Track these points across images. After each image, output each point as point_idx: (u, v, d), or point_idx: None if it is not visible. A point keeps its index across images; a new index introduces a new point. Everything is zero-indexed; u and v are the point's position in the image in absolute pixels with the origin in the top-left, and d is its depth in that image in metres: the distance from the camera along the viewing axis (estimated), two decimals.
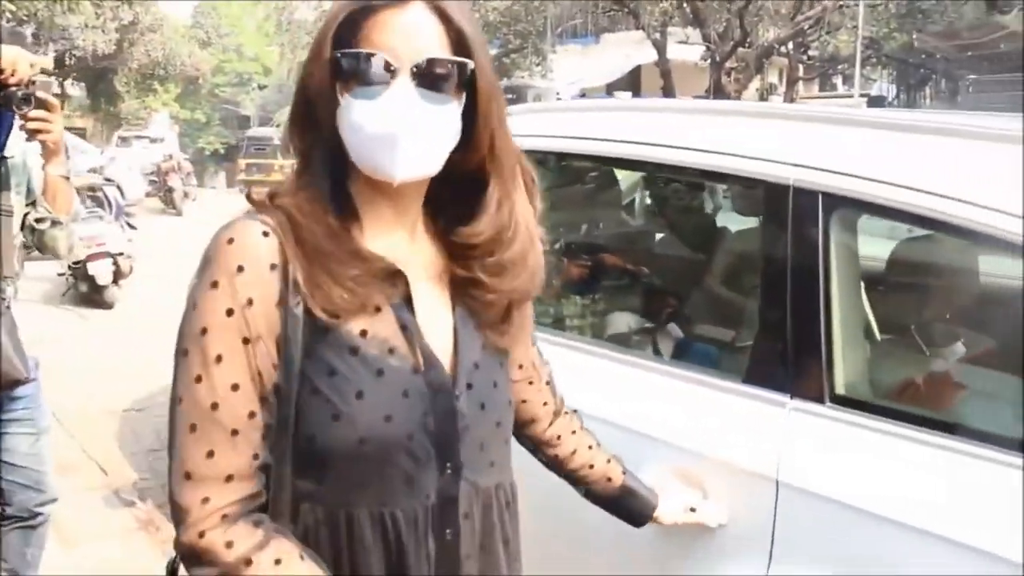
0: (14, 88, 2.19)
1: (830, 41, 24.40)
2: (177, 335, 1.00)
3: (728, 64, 21.77)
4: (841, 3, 20.56)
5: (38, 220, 2.40)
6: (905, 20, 21.99)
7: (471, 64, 1.02)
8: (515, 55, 31.30)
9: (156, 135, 24.13)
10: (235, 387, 0.98)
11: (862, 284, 1.80)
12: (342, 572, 1.02)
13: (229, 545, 0.96)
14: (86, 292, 8.12)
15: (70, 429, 4.57)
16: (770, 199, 1.71)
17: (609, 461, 1.39)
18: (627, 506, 1.40)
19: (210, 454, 0.97)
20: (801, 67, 27.15)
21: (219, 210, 20.13)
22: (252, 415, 0.99)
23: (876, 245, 2.02)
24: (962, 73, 14.80)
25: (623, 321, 2.26)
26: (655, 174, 2.60)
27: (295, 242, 1.00)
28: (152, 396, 5.38)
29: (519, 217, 1.10)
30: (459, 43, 1.01)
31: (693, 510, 1.54)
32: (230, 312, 0.97)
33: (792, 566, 1.50)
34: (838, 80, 31.19)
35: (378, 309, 1.03)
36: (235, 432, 0.98)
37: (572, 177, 2.59)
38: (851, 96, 20.56)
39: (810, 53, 26.45)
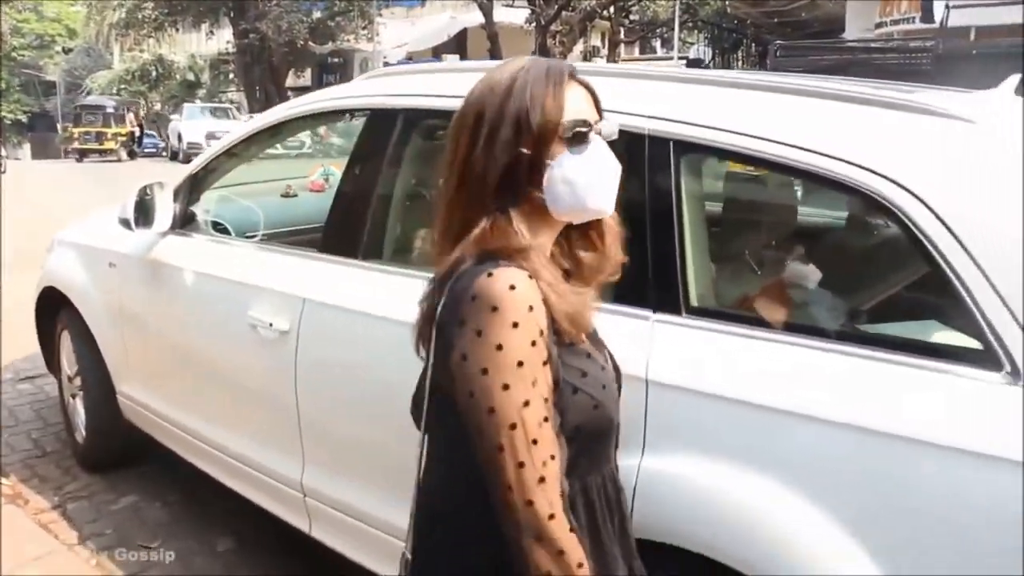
0: None
1: (649, 6, 25.40)
2: (485, 375, 1.17)
3: (553, 27, 22.29)
4: None
5: None
6: None
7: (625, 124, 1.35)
8: (340, 19, 30.43)
9: None
10: (546, 400, 1.20)
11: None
12: (583, 527, 1.27)
13: (573, 530, 1.19)
14: None
15: None
16: (629, 147, 1.98)
17: None
18: None
19: (552, 458, 1.18)
20: (622, 31, 27.96)
21: (34, 182, 18.71)
22: (555, 417, 1.22)
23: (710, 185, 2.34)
24: (770, 38, 15.91)
25: None
26: None
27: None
28: None
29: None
30: (599, 108, 1.34)
31: None
32: (534, 343, 1.18)
33: (662, 452, 1.75)
34: (657, 44, 32.36)
35: None
36: (558, 434, 1.21)
37: (424, 134, 2.75)
38: (671, 59, 21.47)
39: (631, 17, 27.33)
